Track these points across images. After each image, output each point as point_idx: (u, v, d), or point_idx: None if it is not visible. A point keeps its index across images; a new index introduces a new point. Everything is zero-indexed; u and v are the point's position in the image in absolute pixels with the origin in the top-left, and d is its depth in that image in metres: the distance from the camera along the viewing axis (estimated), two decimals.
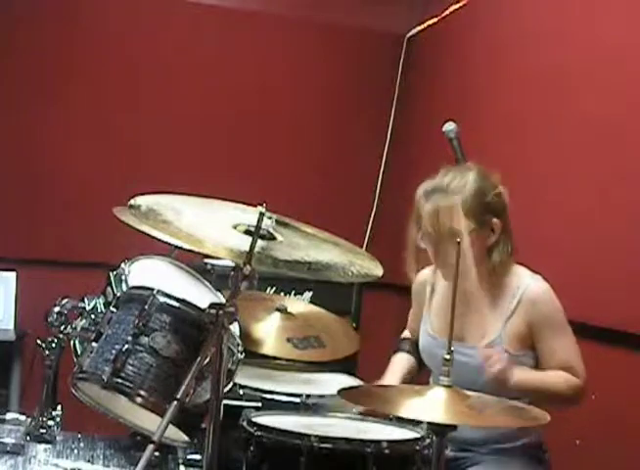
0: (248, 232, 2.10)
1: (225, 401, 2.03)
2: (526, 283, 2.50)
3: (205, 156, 4.44)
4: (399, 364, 2.77)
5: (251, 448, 2.19)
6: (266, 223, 2.08)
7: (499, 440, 2.49)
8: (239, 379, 2.53)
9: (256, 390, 2.71)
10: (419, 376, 2.76)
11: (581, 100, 3.17)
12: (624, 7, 3.01)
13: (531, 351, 2.49)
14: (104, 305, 2.42)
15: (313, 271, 2.16)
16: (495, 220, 2.47)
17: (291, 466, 2.13)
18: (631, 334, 2.81)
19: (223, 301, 2.09)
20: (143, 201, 2.14)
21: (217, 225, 2.15)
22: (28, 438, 2.51)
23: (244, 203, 2.15)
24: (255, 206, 2.06)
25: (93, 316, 2.41)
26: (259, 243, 2.08)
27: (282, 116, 4.60)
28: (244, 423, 2.25)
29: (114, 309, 2.28)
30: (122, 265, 2.49)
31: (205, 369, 2.02)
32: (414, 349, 2.75)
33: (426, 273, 2.71)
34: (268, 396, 2.68)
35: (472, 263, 2.42)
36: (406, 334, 2.86)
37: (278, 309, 2.90)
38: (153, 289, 2.24)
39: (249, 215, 2.08)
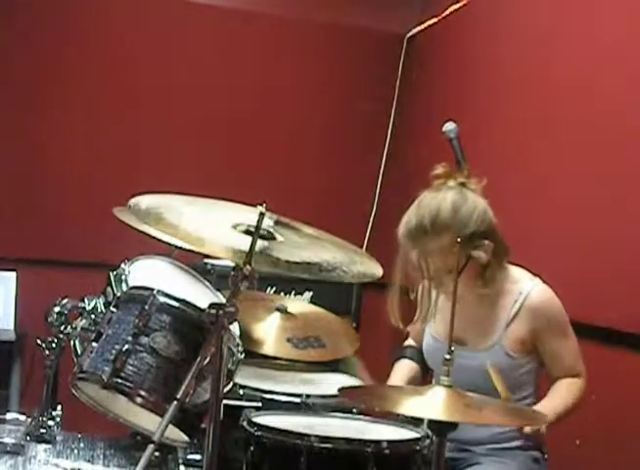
0: (248, 232, 2.10)
1: (225, 401, 2.03)
2: (528, 288, 2.49)
3: (205, 156, 4.44)
4: (402, 371, 2.76)
5: (251, 448, 2.18)
6: (266, 223, 2.08)
7: (497, 440, 2.49)
8: (239, 379, 2.53)
9: (256, 390, 2.70)
10: (423, 382, 2.75)
11: (581, 99, 3.17)
12: (624, 6, 3.01)
13: (533, 354, 2.49)
14: (104, 305, 2.42)
15: (313, 272, 2.16)
16: (486, 242, 2.42)
17: (291, 466, 2.13)
18: (631, 334, 2.81)
19: (223, 301, 2.09)
20: (143, 201, 2.13)
21: (217, 225, 2.15)
22: (28, 438, 2.51)
23: (244, 203, 2.15)
24: (255, 206, 2.06)
25: (93, 316, 2.41)
26: (260, 243, 2.08)
27: (282, 115, 4.60)
28: (244, 423, 2.24)
29: (114, 309, 2.28)
30: (122, 265, 2.49)
31: (204, 369, 2.02)
32: (418, 357, 2.75)
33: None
34: (268, 396, 2.68)
35: (468, 284, 2.41)
36: (409, 342, 2.85)
37: (278, 309, 2.90)
38: (153, 289, 2.24)
39: (249, 215, 2.08)
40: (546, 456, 2.56)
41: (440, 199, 2.42)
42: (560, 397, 2.45)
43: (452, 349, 1.96)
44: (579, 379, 2.48)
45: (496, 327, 2.49)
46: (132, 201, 2.12)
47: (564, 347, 2.48)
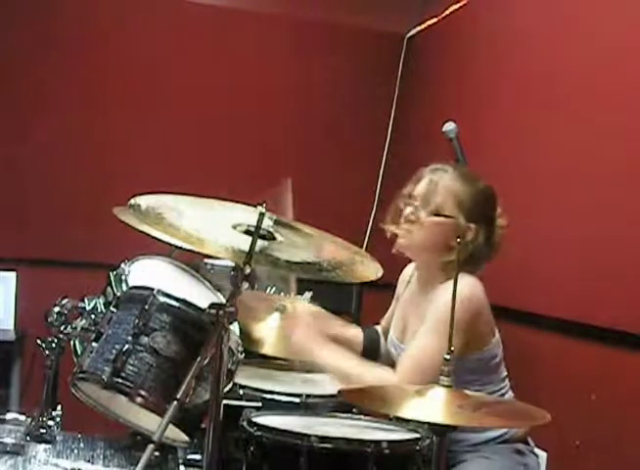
0: (248, 232, 2.10)
1: (225, 401, 2.03)
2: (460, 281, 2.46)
3: (205, 155, 4.44)
4: (356, 335, 2.82)
5: (251, 448, 2.19)
6: (266, 223, 2.08)
7: (474, 435, 2.48)
8: (239, 379, 2.53)
9: (256, 390, 2.70)
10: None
11: (581, 99, 3.17)
12: (624, 7, 3.01)
13: (470, 354, 2.43)
14: (104, 305, 2.42)
15: (313, 272, 2.16)
16: (474, 226, 2.47)
17: (291, 466, 2.13)
18: (631, 334, 2.81)
19: (223, 301, 2.09)
20: (143, 201, 2.13)
21: (217, 225, 2.15)
22: (28, 438, 2.51)
23: (244, 203, 2.15)
24: (255, 206, 2.06)
25: (93, 316, 2.41)
26: (259, 243, 2.08)
27: (281, 115, 4.60)
28: (244, 423, 2.25)
29: (114, 309, 2.28)
30: (122, 265, 2.49)
31: (205, 369, 2.03)
32: (371, 337, 2.80)
33: (408, 271, 2.74)
34: (268, 396, 2.68)
35: (435, 248, 2.46)
36: (377, 327, 2.90)
37: (278, 309, 2.90)
38: (153, 289, 2.24)
39: (248, 215, 2.08)
40: (536, 450, 2.54)
41: (475, 177, 2.55)
42: (341, 358, 2.44)
43: (452, 348, 1.95)
44: (392, 376, 2.38)
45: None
46: (132, 201, 2.12)
47: (422, 338, 2.38)
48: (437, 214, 2.46)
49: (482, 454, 2.47)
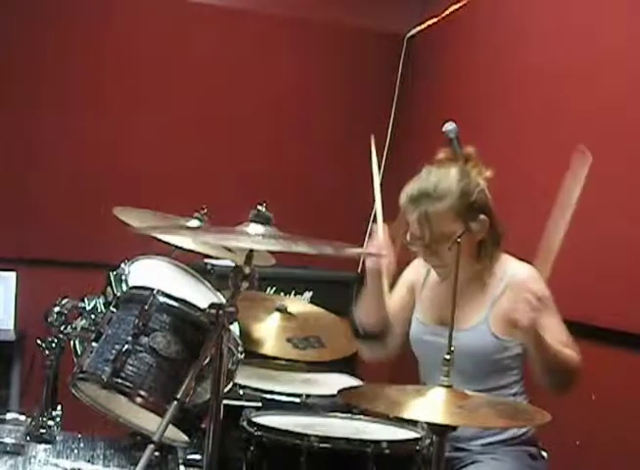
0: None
1: (225, 401, 2.03)
2: (514, 267, 2.51)
3: (205, 155, 4.43)
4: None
5: (251, 448, 2.19)
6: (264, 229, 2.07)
7: (488, 433, 2.47)
8: (239, 379, 2.53)
9: (256, 390, 2.71)
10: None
11: (581, 99, 3.17)
12: (625, 6, 3.01)
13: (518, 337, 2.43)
14: (104, 305, 2.43)
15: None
16: (482, 217, 2.47)
17: (291, 466, 2.13)
18: (631, 334, 2.81)
19: (223, 301, 2.09)
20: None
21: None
22: (28, 438, 2.51)
23: (243, 203, 2.14)
24: (255, 206, 2.06)
25: (93, 316, 2.41)
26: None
27: (281, 116, 4.59)
28: (244, 423, 2.25)
29: (114, 309, 2.28)
30: (122, 265, 2.50)
31: (205, 369, 2.03)
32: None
33: (421, 262, 2.71)
34: (268, 396, 2.68)
35: (463, 260, 2.43)
36: None
37: (278, 309, 2.90)
38: (153, 289, 2.24)
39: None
40: (544, 454, 2.55)
41: (444, 170, 2.50)
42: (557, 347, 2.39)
43: (452, 349, 1.95)
44: (573, 352, 2.39)
45: (482, 307, 2.49)
46: None
47: (550, 322, 2.40)
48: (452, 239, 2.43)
49: (495, 456, 2.46)
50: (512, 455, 2.47)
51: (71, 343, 2.50)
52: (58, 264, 4.18)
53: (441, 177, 2.48)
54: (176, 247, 2.86)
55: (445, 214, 2.43)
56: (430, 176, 2.50)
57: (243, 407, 2.46)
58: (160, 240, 2.68)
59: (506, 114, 3.67)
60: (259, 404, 2.65)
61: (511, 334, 2.41)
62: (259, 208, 2.05)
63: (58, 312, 2.51)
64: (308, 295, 3.67)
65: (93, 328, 2.35)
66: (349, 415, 2.46)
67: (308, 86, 4.65)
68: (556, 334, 2.41)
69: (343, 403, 2.51)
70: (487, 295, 2.50)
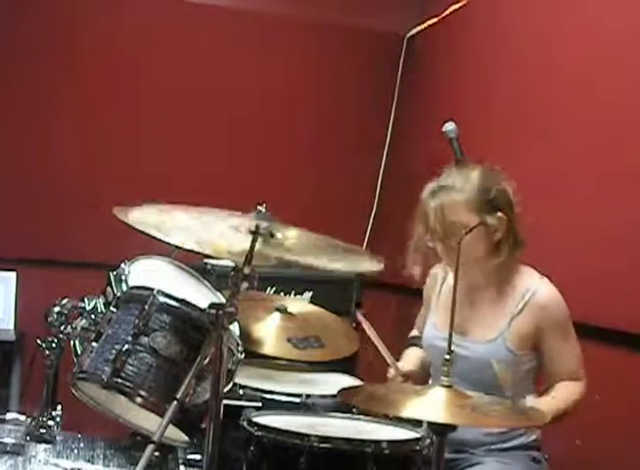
0: (248, 232, 2.10)
1: (225, 401, 2.03)
2: (536, 285, 2.50)
3: (204, 155, 4.44)
4: (414, 355, 2.79)
5: (251, 448, 2.19)
6: (265, 224, 2.07)
7: (495, 440, 2.49)
8: (239, 379, 2.53)
9: (256, 390, 2.71)
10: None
11: (581, 98, 3.17)
12: (624, 6, 3.01)
13: (533, 352, 2.49)
14: (104, 305, 2.42)
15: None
16: (500, 215, 2.47)
17: (291, 466, 2.13)
18: (632, 334, 2.81)
19: (223, 301, 2.09)
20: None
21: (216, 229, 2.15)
22: (28, 438, 2.51)
23: (244, 203, 2.15)
24: (255, 206, 2.06)
25: (93, 316, 2.41)
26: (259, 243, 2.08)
27: (281, 116, 4.60)
28: (244, 423, 2.25)
29: (114, 309, 2.28)
30: (122, 265, 2.49)
31: (204, 369, 2.03)
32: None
33: (438, 269, 2.72)
34: (268, 396, 2.68)
35: (480, 258, 2.47)
36: (414, 332, 2.87)
37: (278, 309, 2.89)
38: (153, 289, 2.24)
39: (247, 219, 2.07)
40: (546, 456, 2.56)
41: (467, 169, 2.54)
42: (559, 398, 2.45)
43: (452, 349, 1.96)
44: (580, 383, 2.48)
45: (500, 321, 2.49)
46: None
47: (565, 349, 2.48)
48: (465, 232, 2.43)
49: (500, 459, 2.47)
50: (515, 459, 2.48)
51: (71, 343, 2.49)
52: (58, 264, 4.18)
53: (462, 174, 2.51)
54: (176, 247, 2.86)
55: (460, 206, 2.44)
56: (450, 173, 2.53)
57: (243, 407, 2.46)
58: (160, 240, 2.68)
59: (506, 113, 3.67)
60: (259, 404, 2.65)
61: None
62: (259, 208, 2.05)
63: (58, 312, 2.50)
64: (308, 295, 3.66)
65: (93, 328, 2.35)
66: (349, 415, 2.45)
67: (308, 86, 4.65)
68: (566, 364, 2.48)
69: (343, 403, 2.51)
70: (506, 308, 2.50)
